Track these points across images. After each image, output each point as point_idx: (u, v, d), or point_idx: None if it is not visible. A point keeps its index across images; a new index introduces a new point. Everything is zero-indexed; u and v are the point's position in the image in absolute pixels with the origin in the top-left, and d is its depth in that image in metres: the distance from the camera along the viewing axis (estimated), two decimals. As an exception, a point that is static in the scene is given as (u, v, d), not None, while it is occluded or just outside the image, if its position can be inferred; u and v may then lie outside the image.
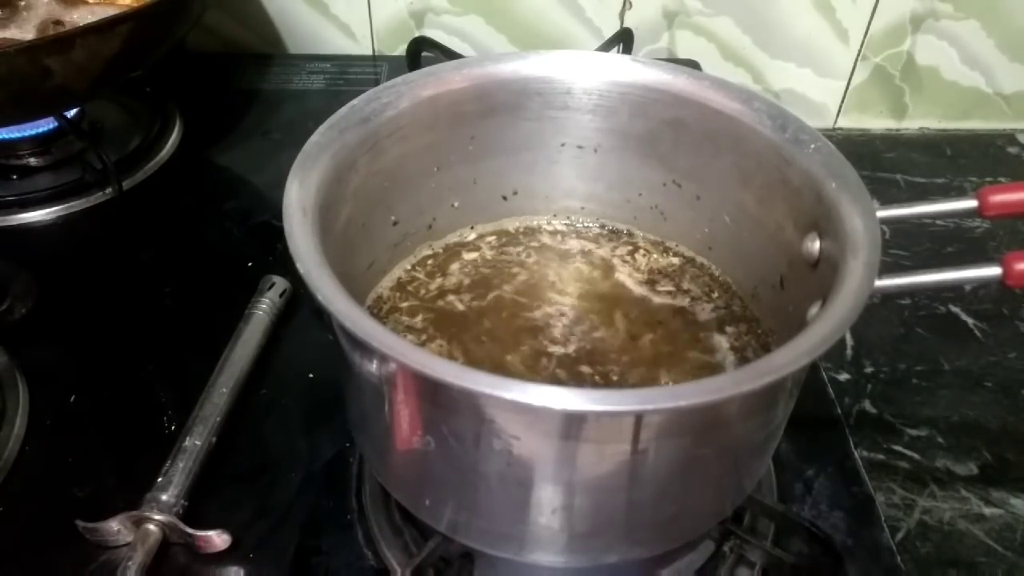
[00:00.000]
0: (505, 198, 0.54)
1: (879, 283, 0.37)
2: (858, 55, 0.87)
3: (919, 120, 0.92)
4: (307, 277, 0.35)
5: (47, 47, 0.57)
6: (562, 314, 0.49)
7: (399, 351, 0.32)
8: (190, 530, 0.46)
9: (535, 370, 0.46)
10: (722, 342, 0.48)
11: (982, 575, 0.49)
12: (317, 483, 0.51)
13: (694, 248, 0.53)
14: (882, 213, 0.41)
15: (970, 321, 0.66)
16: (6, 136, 0.73)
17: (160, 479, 0.48)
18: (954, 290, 0.68)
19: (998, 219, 0.43)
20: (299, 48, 0.92)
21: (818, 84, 0.90)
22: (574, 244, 0.54)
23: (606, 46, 0.80)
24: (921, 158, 0.86)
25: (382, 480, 0.46)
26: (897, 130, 0.92)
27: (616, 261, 0.53)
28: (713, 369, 0.46)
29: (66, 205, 0.71)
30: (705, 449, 0.37)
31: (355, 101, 0.45)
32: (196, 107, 0.83)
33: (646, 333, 0.48)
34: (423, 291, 0.50)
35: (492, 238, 0.54)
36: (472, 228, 0.54)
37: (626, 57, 0.50)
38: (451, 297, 0.50)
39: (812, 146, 0.43)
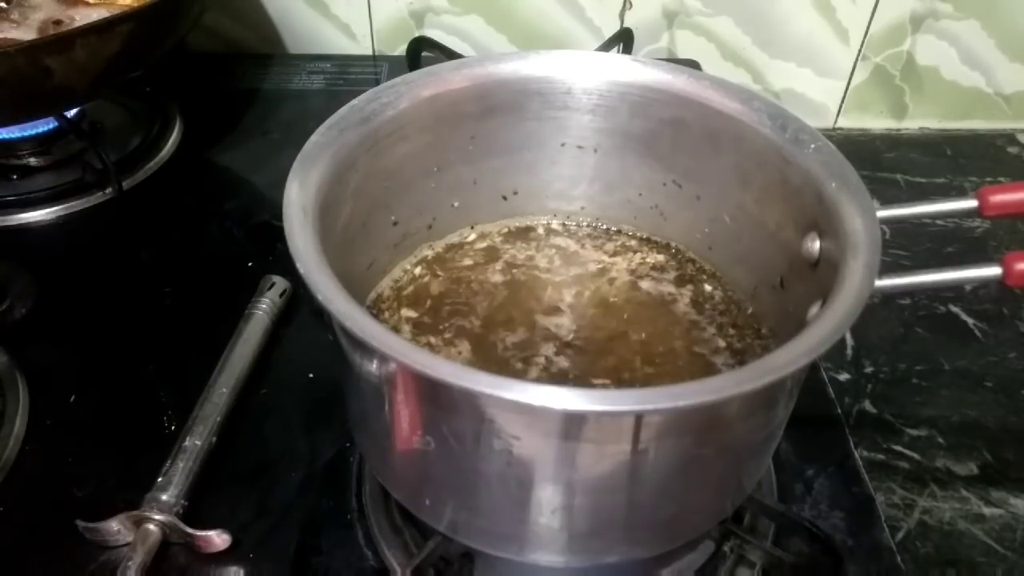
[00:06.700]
0: (505, 198, 0.54)
1: (879, 283, 0.37)
2: (858, 55, 0.87)
3: (919, 120, 0.92)
4: (307, 277, 0.35)
5: (47, 47, 0.57)
6: (561, 314, 0.49)
7: (399, 351, 0.32)
8: (190, 530, 0.46)
9: (535, 369, 0.46)
10: (721, 342, 0.48)
11: (982, 575, 0.49)
12: (317, 483, 0.51)
13: (694, 248, 0.53)
14: (882, 213, 0.41)
15: (970, 321, 0.66)
16: (6, 136, 0.73)
17: (160, 479, 0.48)
18: (954, 290, 0.68)
19: (998, 219, 0.43)
20: (299, 48, 0.92)
21: (818, 84, 0.90)
22: (574, 244, 0.54)
23: (606, 46, 0.80)
24: (921, 158, 0.86)
25: (382, 480, 0.46)
26: (897, 130, 0.92)
27: (615, 261, 0.53)
28: (712, 369, 0.46)
29: (66, 205, 0.71)
30: (705, 449, 0.37)
31: (355, 101, 0.45)
32: (196, 107, 0.83)
33: (645, 333, 0.48)
34: (423, 291, 0.50)
35: (492, 238, 0.54)
36: (472, 228, 0.54)
37: (626, 57, 0.50)
38: (451, 297, 0.50)
39: (812, 146, 0.43)
